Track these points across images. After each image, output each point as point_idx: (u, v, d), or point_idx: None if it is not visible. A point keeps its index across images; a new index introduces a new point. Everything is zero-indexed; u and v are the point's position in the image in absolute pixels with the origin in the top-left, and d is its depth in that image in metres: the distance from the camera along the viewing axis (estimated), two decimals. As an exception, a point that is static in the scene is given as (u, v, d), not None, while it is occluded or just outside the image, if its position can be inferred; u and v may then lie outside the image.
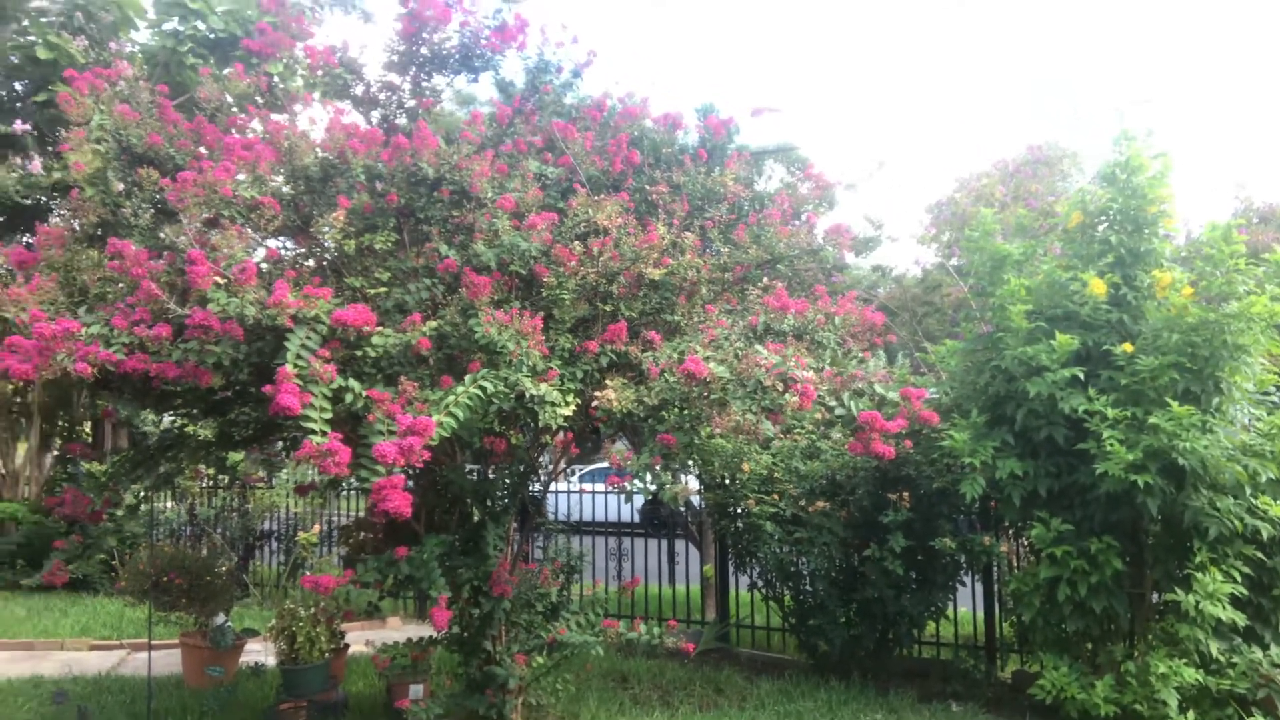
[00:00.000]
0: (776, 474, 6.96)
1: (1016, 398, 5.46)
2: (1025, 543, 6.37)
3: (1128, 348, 5.18)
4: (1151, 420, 4.93)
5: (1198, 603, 4.99)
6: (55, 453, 12.40)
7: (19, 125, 11.05)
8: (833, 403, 4.23)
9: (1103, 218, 5.78)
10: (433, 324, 4.05)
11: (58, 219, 10.51)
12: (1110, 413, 5.05)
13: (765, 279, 4.95)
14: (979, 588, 7.02)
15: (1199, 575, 5.06)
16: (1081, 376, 5.26)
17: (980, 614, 7.04)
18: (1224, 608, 4.94)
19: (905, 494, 6.23)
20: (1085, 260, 5.70)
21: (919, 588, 6.51)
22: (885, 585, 6.29)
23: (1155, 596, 5.56)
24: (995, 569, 6.80)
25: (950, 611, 6.87)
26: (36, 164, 10.64)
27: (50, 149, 11.28)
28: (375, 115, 5.49)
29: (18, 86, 12.21)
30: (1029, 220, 6.40)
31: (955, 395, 6.05)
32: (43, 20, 11.65)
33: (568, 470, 6.64)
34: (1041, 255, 5.97)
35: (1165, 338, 5.17)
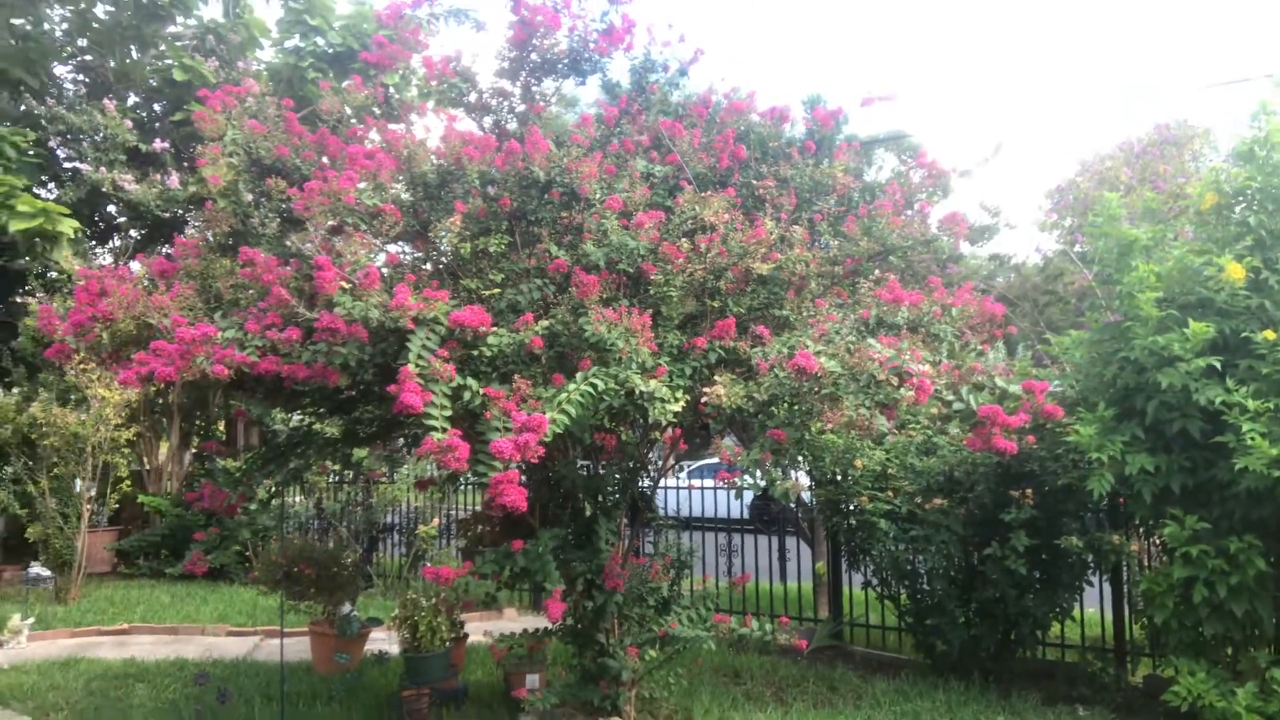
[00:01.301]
0: (890, 470, 6.82)
1: (1147, 389, 5.21)
2: (1157, 541, 6.07)
3: (1270, 335, 4.88)
4: (1297, 412, 4.64)
5: (1352, 607, 4.68)
6: (193, 450, 13.15)
7: (158, 144, 11.77)
8: (950, 397, 4.12)
9: (1240, 198, 5.46)
10: (544, 323, 4.13)
11: (193, 230, 11.16)
12: (1251, 404, 4.77)
13: (877, 271, 4.87)
14: (1107, 588, 6.73)
15: (1353, 578, 4.74)
16: (1218, 366, 4.98)
17: (1109, 615, 6.76)
18: (1382, 613, 4.61)
19: (1028, 491, 6.02)
20: (1220, 243, 5.39)
21: (1043, 587, 6.28)
22: (1007, 585, 6.10)
23: (1304, 600, 5.23)
24: (1125, 569, 6.51)
25: (1076, 612, 6.61)
26: (174, 179, 11.31)
27: (186, 165, 11.98)
28: (487, 121, 5.63)
29: (156, 107, 13.01)
30: (1157, 203, 6.09)
31: (1081, 388, 5.80)
32: (178, 44, 12.38)
33: (676, 466, 6.67)
34: (1171, 240, 5.67)
35: (1312, 324, 4.86)
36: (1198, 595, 5.01)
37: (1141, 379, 5.24)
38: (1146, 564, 6.28)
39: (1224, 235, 5.41)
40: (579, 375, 3.95)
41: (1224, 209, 5.50)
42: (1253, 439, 4.67)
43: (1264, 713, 4.81)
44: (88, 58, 12.82)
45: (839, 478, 7.02)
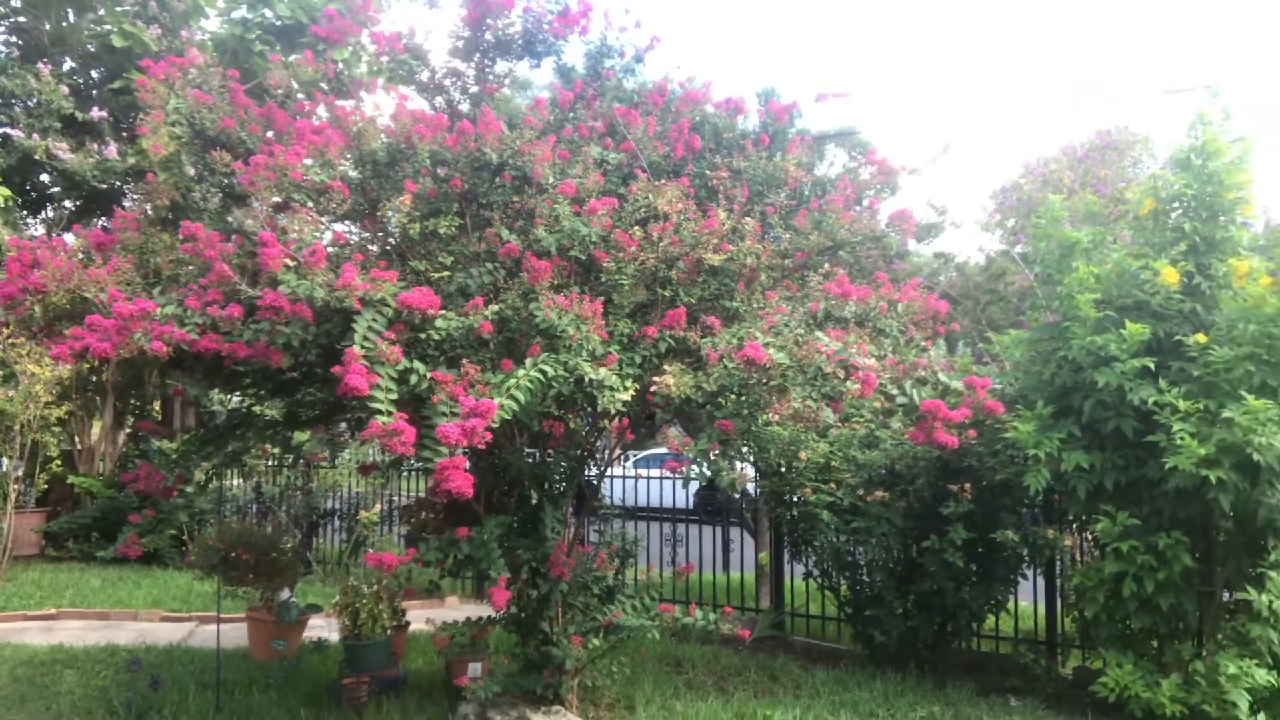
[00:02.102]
0: (834, 463, 6.91)
1: (1084, 389, 5.34)
2: (1090, 537, 6.23)
3: (1201, 338, 5.03)
4: (1225, 414, 4.79)
5: (1271, 602, 4.85)
6: (128, 430, 12.80)
7: (95, 112, 11.40)
8: (894, 391, 4.18)
9: (1176, 204, 5.61)
10: (494, 308, 4.09)
11: (131, 203, 10.83)
12: (1182, 405, 4.92)
13: (826, 265, 4.91)
14: (1040, 582, 6.89)
15: (1273, 574, 4.91)
16: (1152, 367, 5.13)
17: (1041, 608, 6.93)
18: (1299, 608, 4.79)
19: (967, 485, 6.14)
20: (1157, 248, 5.54)
21: (979, 580, 6.42)
22: (944, 577, 6.21)
23: (1226, 595, 5.41)
24: (1058, 563, 6.67)
25: (1011, 605, 6.76)
26: (112, 149, 10.97)
27: (125, 135, 11.62)
28: (439, 101, 5.55)
29: (94, 74, 12.58)
30: (1098, 207, 6.24)
31: (1020, 386, 5.93)
32: (118, 9, 11.98)
33: (623, 455, 6.69)
34: (1111, 243, 5.81)
35: (1241, 328, 5.01)
36: (1127, 590, 5.16)
37: (1079, 378, 5.37)
38: (1079, 559, 6.44)
39: (1160, 240, 5.56)
40: (528, 361, 3.92)
41: (1161, 214, 5.65)
42: (1182, 439, 4.81)
43: (1186, 703, 4.97)
44: (21, 19, 12.35)
45: (784, 469, 7.08)
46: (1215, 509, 4.99)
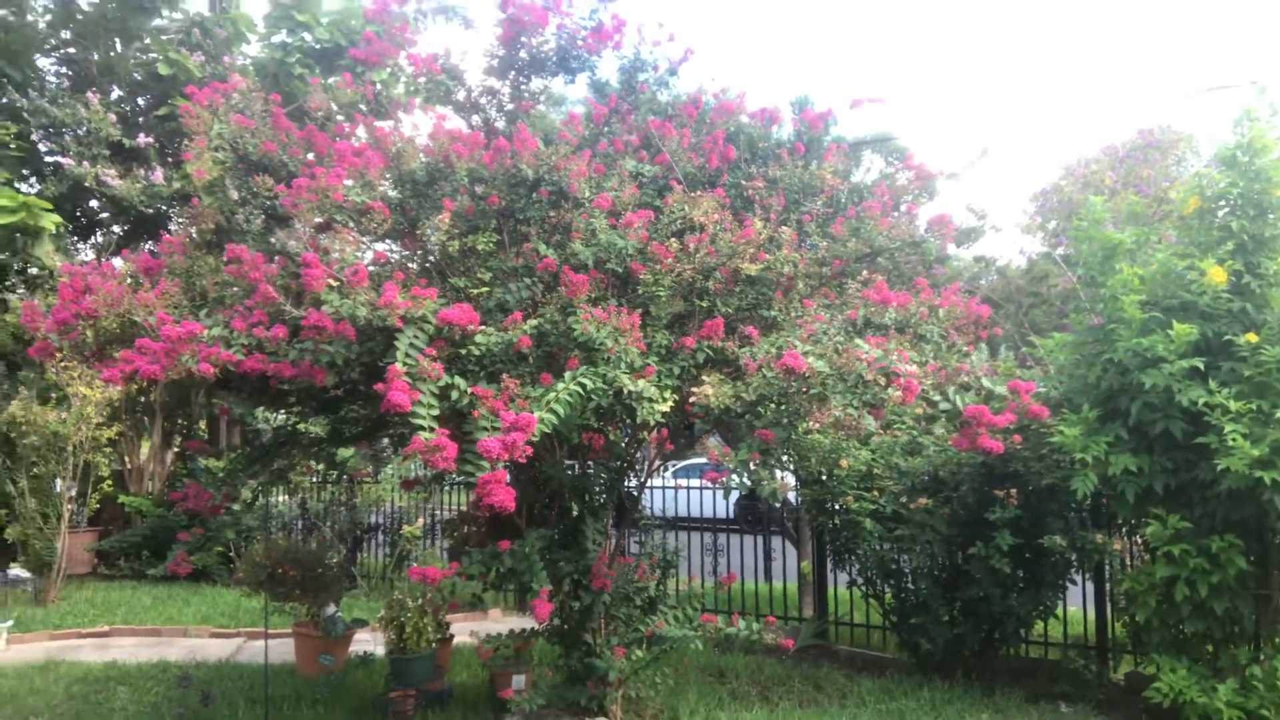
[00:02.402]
0: (876, 470, 6.85)
1: (1130, 391, 5.26)
2: (1139, 541, 6.12)
3: (1252, 338, 4.93)
4: (1279, 414, 4.69)
5: (1331, 606, 4.73)
6: (176, 450, 13.04)
7: (142, 138, 11.68)
8: (936, 397, 4.14)
9: (1222, 202, 5.51)
10: (533, 322, 4.13)
11: (177, 226, 11.07)
12: (1233, 405, 4.82)
13: (865, 272, 4.88)
14: (1090, 587, 6.78)
15: (1332, 577, 4.79)
16: (1201, 368, 5.03)
17: (1091, 614, 6.81)
18: (1360, 612, 4.67)
19: (1012, 490, 6.06)
20: (1203, 247, 5.44)
21: (1027, 586, 6.32)
22: (991, 584, 6.13)
23: (1284, 599, 5.28)
24: (1107, 567, 6.56)
25: (1060, 611, 6.66)
26: (158, 174, 11.22)
27: (170, 160, 11.88)
28: (476, 119, 5.62)
29: (140, 101, 12.89)
30: (1141, 207, 6.14)
31: (1065, 389, 5.85)
32: (163, 38, 12.28)
33: (663, 466, 6.69)
34: (1155, 243, 5.72)
35: (1293, 327, 4.91)
36: (1179, 594, 5.06)
37: (1125, 380, 5.29)
38: (1129, 563, 6.33)
39: (1206, 239, 5.46)
40: (567, 375, 3.95)
41: (1206, 213, 5.55)
42: (1234, 440, 4.71)
43: (1244, 708, 4.86)
44: (71, 50, 12.70)
45: (824, 477, 7.04)
46: (1270, 510, 4.88)
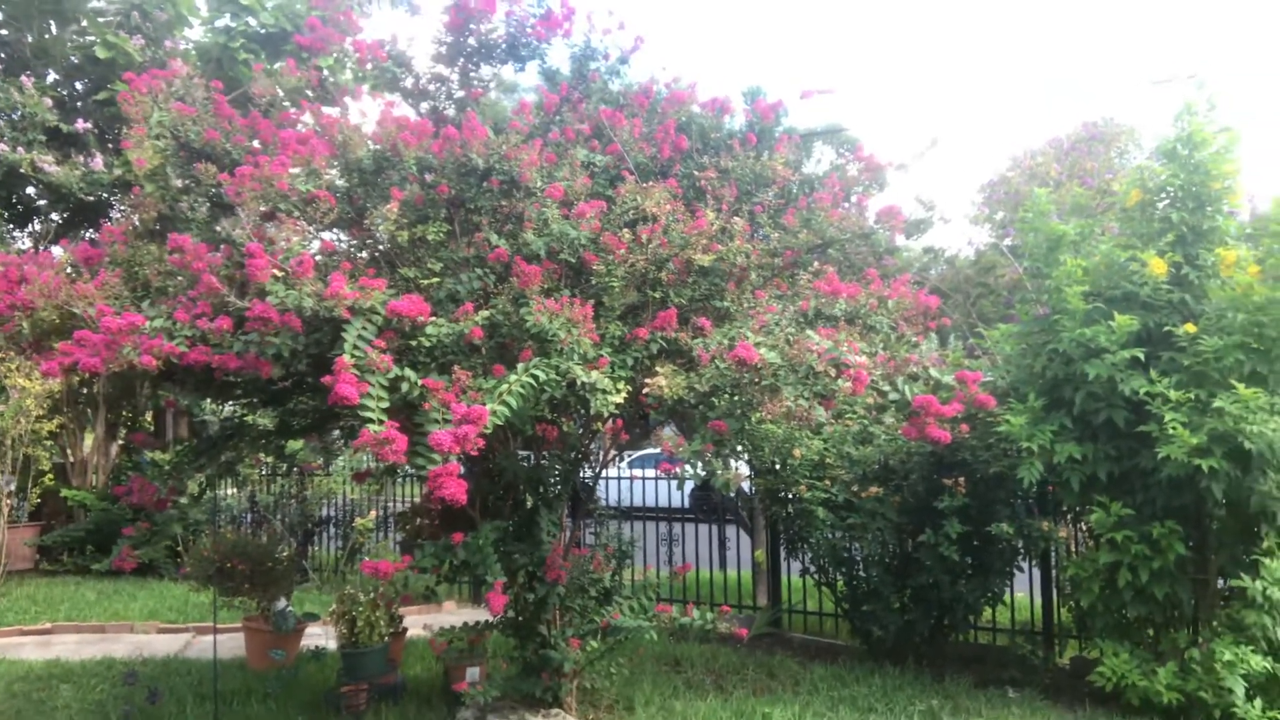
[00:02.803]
0: (828, 459, 6.92)
1: (1075, 380, 5.36)
2: (1084, 528, 6.26)
3: (1190, 328, 5.06)
4: (1216, 403, 4.81)
5: (1265, 589, 4.88)
6: (120, 442, 12.75)
7: (80, 124, 11.34)
8: (886, 387, 4.18)
9: (1163, 195, 5.63)
10: (485, 313, 4.09)
11: (118, 215, 10.79)
12: (1172, 395, 4.94)
13: (816, 263, 4.91)
14: (1036, 573, 6.92)
15: (1266, 561, 4.94)
16: (1142, 358, 5.15)
17: (1038, 600, 6.95)
18: (1293, 594, 4.82)
19: (961, 479, 6.15)
20: (1145, 239, 5.56)
21: (975, 573, 6.43)
22: (940, 571, 6.23)
23: (1220, 582, 5.43)
24: (1053, 554, 6.70)
25: (1007, 597, 6.78)
26: (98, 161, 10.91)
27: (111, 146, 11.56)
28: (424, 107, 5.54)
29: (78, 86, 12.51)
30: (1085, 199, 6.26)
31: (1011, 379, 5.95)
32: (100, 20, 11.92)
33: (618, 456, 6.69)
34: (1099, 235, 5.83)
35: (1230, 318, 5.04)
36: (1122, 579, 5.18)
37: (1069, 370, 5.39)
38: (1074, 550, 6.47)
39: (1148, 231, 5.58)
40: (520, 366, 3.92)
41: (1148, 205, 5.67)
42: (1174, 428, 4.83)
43: (1182, 690, 5.00)
44: (3, 32, 12.28)
45: (778, 467, 7.09)
46: (1208, 497, 5.02)
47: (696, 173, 5.13)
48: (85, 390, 12.18)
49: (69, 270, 4.54)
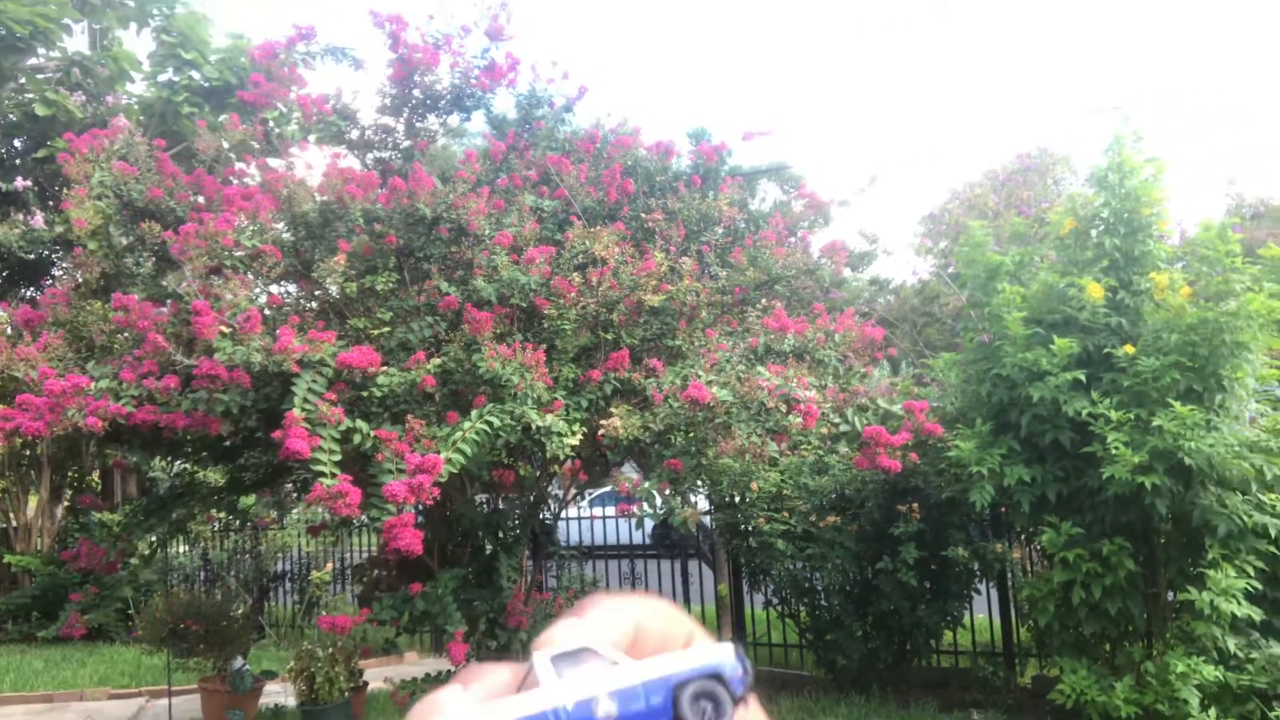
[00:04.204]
0: (785, 490, 6.96)
1: (1020, 404, 5.48)
2: (1037, 548, 6.37)
3: (1129, 350, 5.20)
4: (1156, 421, 4.94)
5: (1212, 600, 4.98)
6: (66, 504, 12.42)
7: (20, 182, 11.16)
8: (837, 419, 4.26)
9: (1096, 222, 5.81)
10: (436, 361, 4.09)
11: (60, 273, 10.61)
12: (1114, 415, 5.06)
13: (764, 300, 4.99)
14: (994, 594, 7.00)
15: (1211, 572, 5.05)
16: (1084, 380, 5.28)
17: (997, 620, 7.03)
18: (1239, 604, 4.93)
19: (915, 505, 6.23)
20: (1081, 265, 5.72)
21: (934, 598, 6.50)
22: (900, 597, 6.28)
23: (1170, 596, 5.54)
24: (1009, 575, 6.79)
25: (967, 620, 6.85)
26: (38, 219, 10.74)
27: (51, 204, 11.38)
28: (370, 158, 5.57)
29: (17, 143, 12.33)
30: (1023, 228, 6.44)
31: (959, 405, 6.06)
32: (40, 77, 11.79)
33: (578, 495, 6.68)
34: (1037, 262, 5.99)
35: (1165, 338, 5.19)
36: (1076, 597, 5.27)
37: (1014, 394, 5.51)
38: (1029, 570, 6.57)
39: (1083, 257, 5.75)
40: (474, 413, 3.93)
41: (1082, 233, 5.84)
42: (1117, 448, 4.95)
43: (1140, 704, 5.07)
44: (-61, 92, 12.10)
45: (737, 500, 7.12)
46: (1153, 513, 5.14)
47: (644, 215, 5.21)
48: (28, 452, 11.87)
49: (9, 332, 4.46)
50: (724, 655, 0.41)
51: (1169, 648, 5.21)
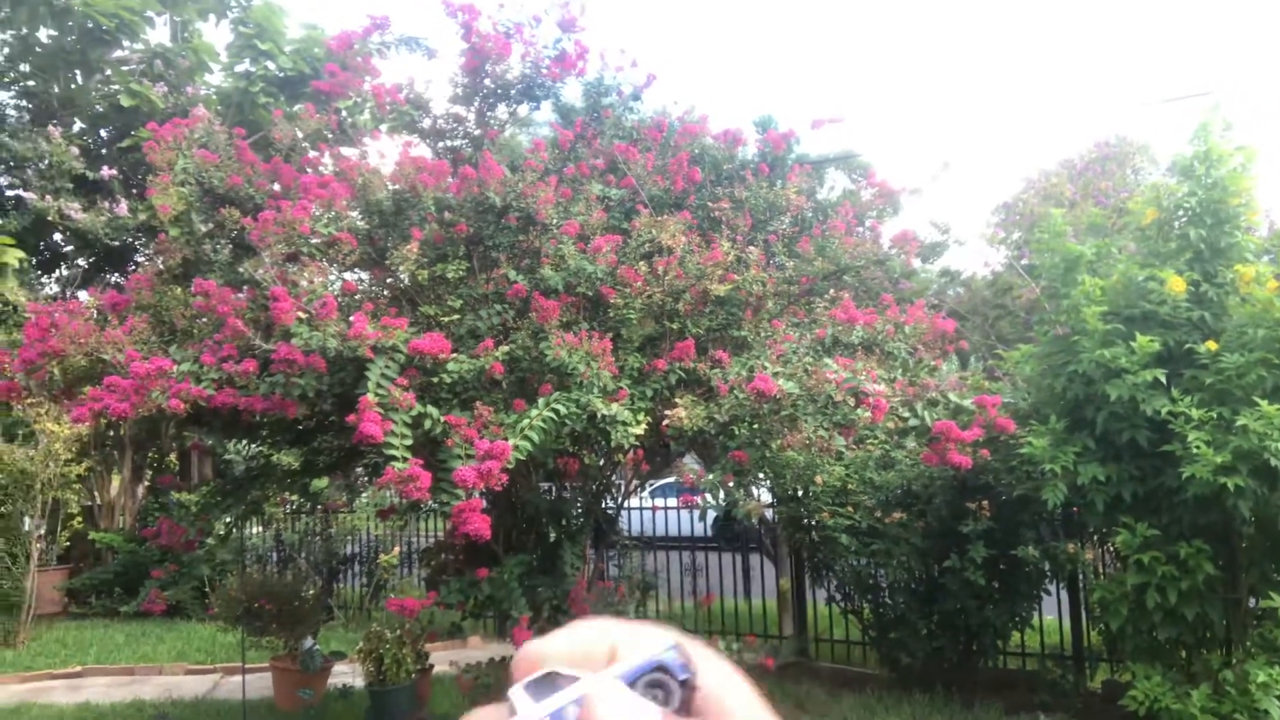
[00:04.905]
0: (850, 485, 6.89)
1: (1096, 401, 5.33)
2: (1110, 549, 6.20)
3: (1211, 346, 5.03)
4: (1240, 420, 4.77)
5: (1297, 608, 4.81)
6: (147, 484, 12.86)
7: (106, 171, 11.57)
8: (906, 413, 4.19)
9: (1180, 213, 5.62)
10: (505, 349, 4.13)
11: (143, 259, 10.97)
12: (1195, 413, 4.90)
13: (831, 290, 4.94)
14: (1064, 596, 6.85)
15: (1298, 579, 4.87)
16: (1163, 378, 5.12)
17: (1067, 623, 6.87)
18: (1326, 612, 4.75)
19: (984, 502, 6.12)
20: (1162, 257, 5.54)
21: (1002, 598, 6.37)
22: (967, 596, 6.18)
23: (1252, 602, 5.35)
24: (1080, 576, 6.63)
25: (1036, 621, 6.71)
26: (123, 206, 11.12)
27: (135, 192, 11.78)
28: (441, 146, 5.63)
29: (103, 133, 12.78)
30: (1100, 218, 6.26)
31: (1032, 400, 5.92)
32: (124, 69, 12.20)
33: (640, 486, 6.71)
34: (1116, 254, 5.82)
35: (1251, 334, 5.00)
36: (1150, 601, 5.12)
37: (1090, 390, 5.36)
38: (1101, 571, 6.40)
39: (1165, 249, 5.56)
40: (541, 400, 3.96)
41: (1164, 224, 5.65)
42: (1198, 447, 4.79)
43: (1218, 713, 4.92)
44: (31, 84, 12.59)
45: (800, 494, 7.06)
46: (1235, 515, 4.96)
47: (710, 203, 5.18)
48: (112, 433, 12.31)
49: (97, 316, 4.62)
50: (661, 647, 0.45)
51: (1249, 656, 5.04)
